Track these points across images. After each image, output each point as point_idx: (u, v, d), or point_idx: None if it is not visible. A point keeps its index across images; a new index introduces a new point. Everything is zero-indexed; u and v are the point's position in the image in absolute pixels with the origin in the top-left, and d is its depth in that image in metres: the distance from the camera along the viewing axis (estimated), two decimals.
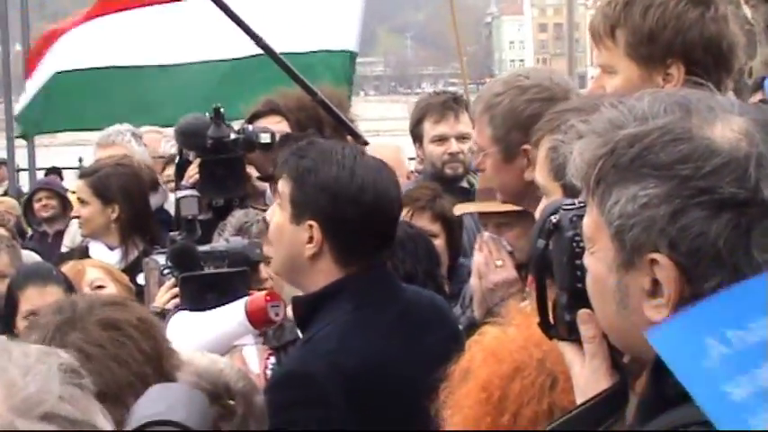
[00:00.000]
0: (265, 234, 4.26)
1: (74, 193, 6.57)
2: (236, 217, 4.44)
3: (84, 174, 5.77)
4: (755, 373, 1.53)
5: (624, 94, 2.09)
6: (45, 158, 15.73)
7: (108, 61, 8.25)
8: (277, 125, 5.20)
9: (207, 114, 4.87)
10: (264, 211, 4.77)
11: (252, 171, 5.10)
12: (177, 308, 3.77)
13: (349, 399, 3.02)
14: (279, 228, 3.29)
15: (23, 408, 1.41)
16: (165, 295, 3.96)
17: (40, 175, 13.45)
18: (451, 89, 7.45)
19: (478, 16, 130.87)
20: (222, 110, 4.82)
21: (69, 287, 4.31)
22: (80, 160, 14.68)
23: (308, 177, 3.20)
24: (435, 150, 5.91)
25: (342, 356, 3.07)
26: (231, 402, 2.74)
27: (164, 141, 7.47)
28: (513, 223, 3.76)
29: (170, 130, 6.46)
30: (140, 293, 4.43)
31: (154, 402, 2.29)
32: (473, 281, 3.69)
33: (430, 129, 5.94)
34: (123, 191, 5.54)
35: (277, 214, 3.32)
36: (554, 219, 1.97)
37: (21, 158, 14.18)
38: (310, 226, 3.19)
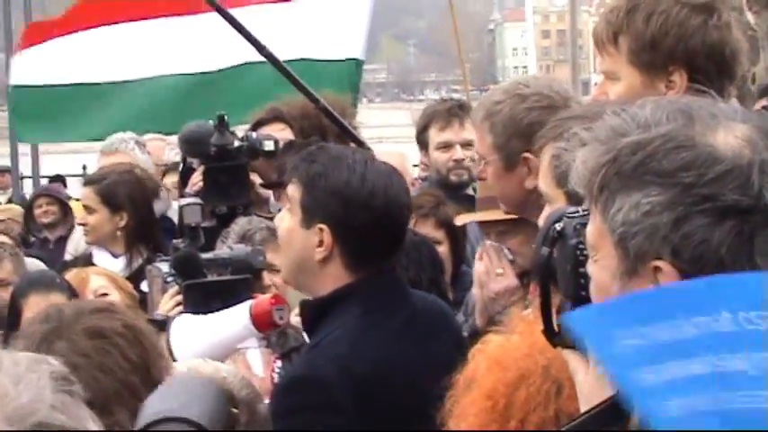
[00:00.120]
0: (269, 242, 4.28)
1: (78, 200, 6.57)
2: (240, 224, 4.44)
3: (90, 181, 5.76)
4: (659, 367, 1.53)
5: (627, 101, 2.10)
6: (49, 166, 15.76)
7: (104, 76, 8.19)
8: (280, 133, 5.20)
9: (210, 122, 4.87)
10: (268, 218, 4.77)
11: (255, 178, 5.11)
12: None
13: (358, 404, 3.01)
14: (288, 232, 3.29)
15: (15, 417, 1.41)
16: (168, 303, 3.96)
17: (44, 182, 13.47)
18: (455, 96, 7.45)
19: (481, 23, 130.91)
20: (226, 117, 4.83)
21: (73, 295, 4.30)
22: (84, 168, 14.68)
23: (318, 182, 3.21)
24: (440, 157, 5.92)
25: (352, 361, 3.07)
26: (235, 411, 2.73)
27: (168, 149, 7.48)
28: (516, 231, 3.75)
29: (174, 138, 6.46)
30: (144, 301, 4.44)
31: (168, 397, 2.26)
32: (474, 290, 3.69)
33: (435, 135, 5.96)
34: (131, 199, 5.54)
35: (286, 219, 3.32)
36: (558, 226, 1.97)
37: (24, 166, 14.20)
38: (321, 230, 3.19)
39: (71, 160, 16.52)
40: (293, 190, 3.27)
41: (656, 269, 1.75)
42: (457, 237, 4.93)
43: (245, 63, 7.32)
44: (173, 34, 7.95)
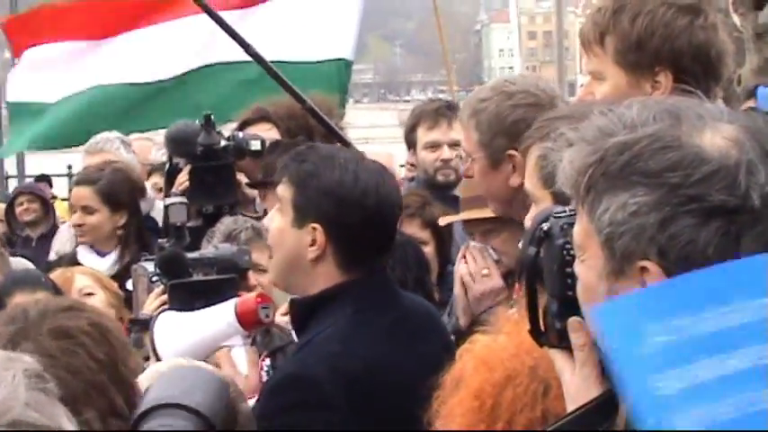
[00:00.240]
0: (254, 241, 4.27)
1: (64, 200, 6.53)
2: (225, 224, 4.43)
3: (86, 181, 5.65)
4: (687, 368, 1.51)
5: (613, 102, 2.10)
6: (34, 165, 15.71)
7: (86, 83, 8.07)
8: (267, 133, 5.20)
9: (197, 121, 4.86)
10: (254, 218, 4.77)
11: (242, 178, 5.10)
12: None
13: (350, 402, 3.01)
14: (280, 232, 3.28)
15: None
16: (154, 302, 3.95)
17: (30, 182, 13.43)
18: (441, 96, 7.48)
19: (468, 24, 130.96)
20: (213, 117, 4.82)
21: (58, 294, 4.29)
22: (69, 167, 14.64)
23: (310, 181, 3.20)
24: (428, 157, 5.95)
25: (343, 359, 3.07)
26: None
27: (154, 149, 7.46)
28: (500, 229, 3.76)
29: (160, 138, 6.44)
30: (130, 300, 4.43)
31: (170, 384, 2.24)
32: (456, 290, 3.70)
33: (423, 135, 5.99)
34: (131, 197, 5.53)
35: (277, 219, 3.31)
36: (545, 226, 1.97)
37: (10, 165, 14.16)
38: (314, 229, 3.19)
39: (56, 160, 16.46)
40: (284, 190, 3.26)
41: (643, 269, 1.74)
42: (443, 237, 4.94)
43: (230, 62, 7.29)
44: (159, 40, 7.87)
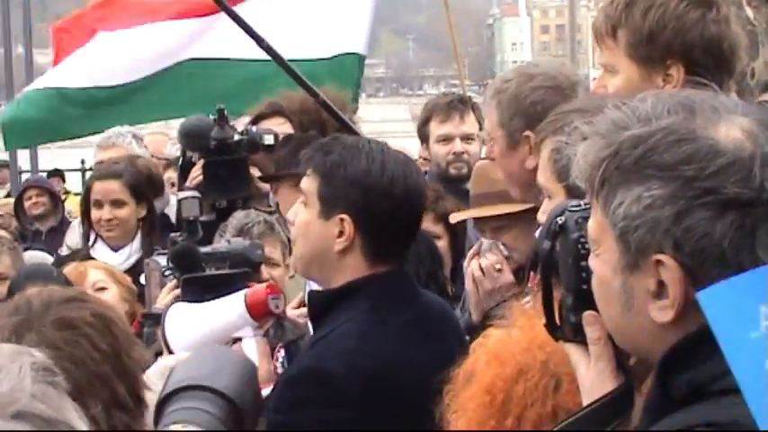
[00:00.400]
0: (266, 235, 4.27)
1: (78, 194, 6.53)
2: (237, 218, 4.43)
3: (111, 175, 5.52)
4: None
5: (625, 95, 2.09)
6: (47, 160, 15.74)
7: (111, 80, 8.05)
8: (280, 127, 5.21)
9: (210, 116, 4.87)
10: (267, 212, 4.77)
11: (255, 172, 5.11)
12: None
13: (364, 399, 3.00)
14: (306, 224, 3.23)
15: None
16: (166, 297, 3.95)
17: (38, 176, 13.46)
18: (453, 90, 7.48)
19: (481, 18, 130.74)
20: (226, 111, 4.83)
21: None
22: (82, 162, 14.67)
23: (337, 171, 3.16)
24: (440, 150, 5.96)
25: (359, 357, 3.05)
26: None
27: (169, 144, 7.45)
28: (511, 225, 3.76)
29: (175, 133, 6.43)
30: (143, 294, 4.43)
31: (197, 365, 2.22)
32: (468, 286, 3.70)
33: (435, 129, 6.01)
34: (151, 190, 5.52)
35: (302, 212, 3.26)
36: (560, 220, 1.96)
37: (23, 161, 14.20)
38: (341, 220, 3.15)
39: (69, 155, 16.50)
40: (309, 182, 3.22)
41: (658, 263, 1.74)
42: (456, 231, 4.93)
43: (244, 59, 7.28)
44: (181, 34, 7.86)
